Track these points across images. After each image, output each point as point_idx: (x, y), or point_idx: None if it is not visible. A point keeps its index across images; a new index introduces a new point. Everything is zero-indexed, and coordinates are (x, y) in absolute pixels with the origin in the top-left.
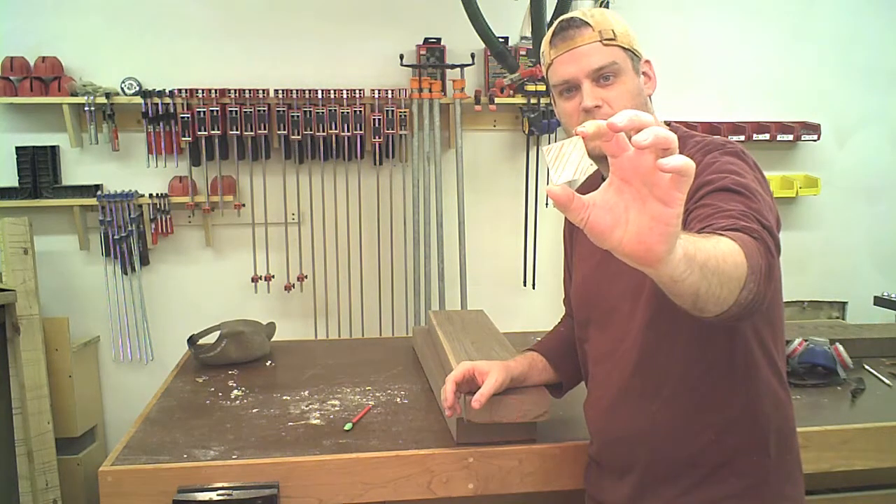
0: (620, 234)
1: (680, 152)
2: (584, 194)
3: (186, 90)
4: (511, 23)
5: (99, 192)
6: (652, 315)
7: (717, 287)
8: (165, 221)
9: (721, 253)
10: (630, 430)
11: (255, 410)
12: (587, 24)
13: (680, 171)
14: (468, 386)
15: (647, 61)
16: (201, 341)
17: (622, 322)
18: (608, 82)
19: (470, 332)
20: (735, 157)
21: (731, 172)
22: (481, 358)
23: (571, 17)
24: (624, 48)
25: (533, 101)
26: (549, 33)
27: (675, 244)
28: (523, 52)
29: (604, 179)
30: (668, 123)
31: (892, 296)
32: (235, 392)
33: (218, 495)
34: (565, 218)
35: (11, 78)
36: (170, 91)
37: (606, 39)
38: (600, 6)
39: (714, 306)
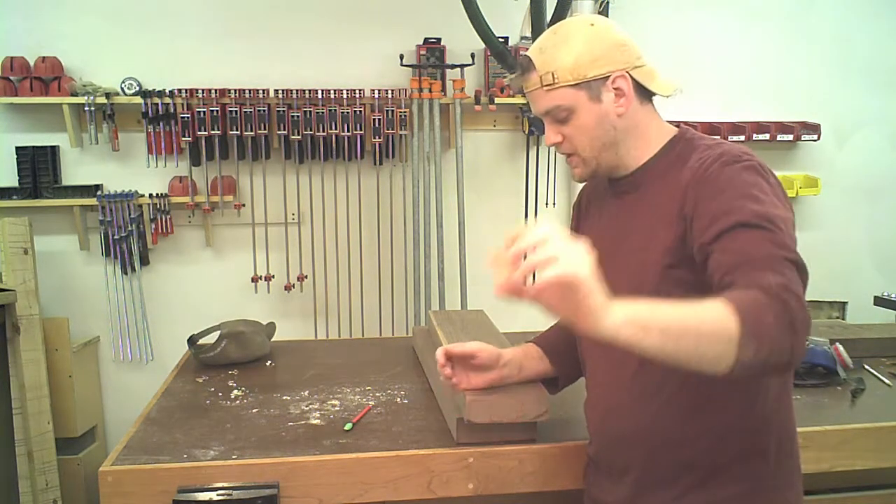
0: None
1: (689, 158)
2: (588, 194)
3: (186, 90)
4: (511, 23)
5: (99, 192)
6: None
7: (693, 348)
8: (165, 221)
9: (698, 318)
10: (629, 431)
11: (255, 410)
12: (533, 66)
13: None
14: (461, 362)
15: (621, 75)
16: (201, 341)
17: None
18: (563, 119)
19: (470, 332)
20: (754, 174)
21: (751, 198)
22: None
23: (524, 56)
24: (571, 85)
25: None
26: None
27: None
28: (523, 52)
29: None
30: (677, 125)
31: (892, 296)
32: (235, 392)
33: (218, 495)
34: (572, 213)
35: (11, 78)
36: (170, 91)
37: (546, 86)
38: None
39: (708, 366)
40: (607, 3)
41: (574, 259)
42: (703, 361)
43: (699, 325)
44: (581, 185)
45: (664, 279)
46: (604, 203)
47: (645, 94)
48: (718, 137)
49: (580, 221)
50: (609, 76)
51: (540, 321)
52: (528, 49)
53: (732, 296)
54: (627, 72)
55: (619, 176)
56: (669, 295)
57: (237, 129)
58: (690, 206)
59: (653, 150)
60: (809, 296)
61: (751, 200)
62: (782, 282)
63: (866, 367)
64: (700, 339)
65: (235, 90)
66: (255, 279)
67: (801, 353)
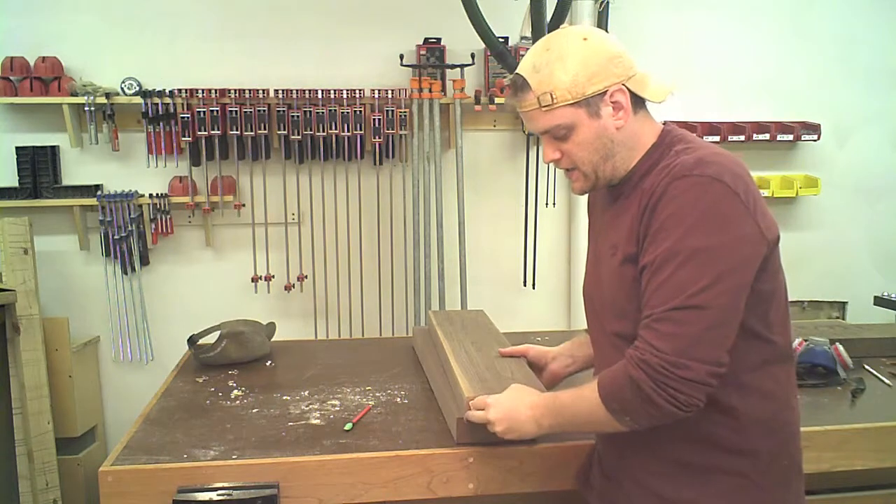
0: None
1: (658, 161)
2: (593, 196)
3: (186, 90)
4: (511, 23)
5: (99, 192)
6: (629, 325)
7: (592, 427)
8: (165, 221)
9: (582, 413)
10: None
11: (255, 410)
12: (528, 86)
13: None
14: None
15: (619, 89)
16: (201, 341)
17: (606, 323)
18: (561, 136)
19: (470, 333)
20: (700, 190)
21: (679, 227)
22: (481, 358)
23: (517, 75)
24: (570, 104)
25: None
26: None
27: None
28: (523, 52)
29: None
30: (664, 123)
31: (892, 296)
32: (235, 392)
33: (218, 495)
34: (587, 210)
35: (11, 78)
36: (170, 91)
37: (545, 106)
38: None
39: (609, 425)
40: (607, 2)
41: (500, 423)
42: (608, 430)
43: (588, 418)
44: None
45: (633, 285)
46: (603, 206)
47: (638, 101)
48: (693, 138)
49: (590, 221)
50: (607, 91)
51: (538, 322)
52: (527, 49)
53: (602, 374)
54: (623, 84)
55: (614, 183)
56: (635, 298)
57: (237, 129)
58: (641, 229)
59: (639, 155)
60: (809, 296)
61: (676, 231)
62: (638, 354)
63: (866, 367)
64: (593, 425)
65: (235, 90)
66: (255, 279)
67: (684, 404)
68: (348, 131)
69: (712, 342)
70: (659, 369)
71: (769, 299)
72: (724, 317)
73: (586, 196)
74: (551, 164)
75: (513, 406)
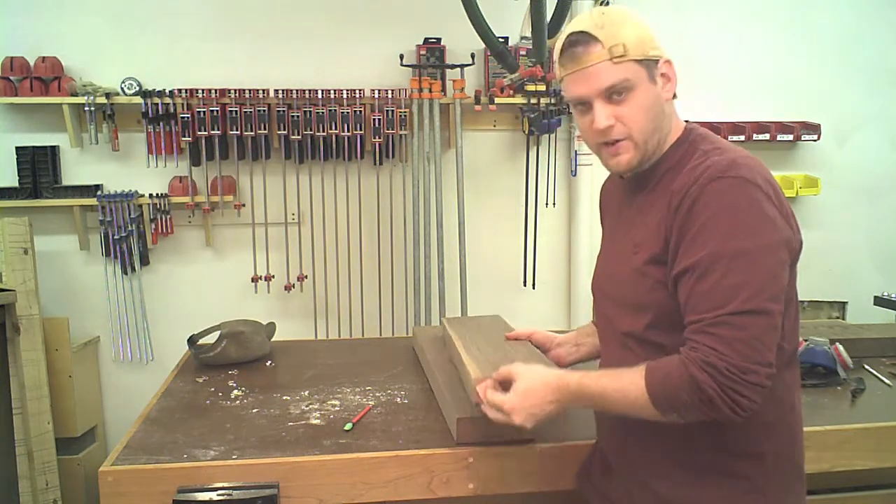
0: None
1: (686, 166)
2: (607, 191)
3: (186, 90)
4: (511, 23)
5: (99, 192)
6: (643, 326)
7: (624, 410)
8: (165, 221)
9: (624, 395)
10: (626, 426)
11: (255, 410)
12: (596, 39)
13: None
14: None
15: (668, 61)
16: (201, 341)
17: (618, 322)
18: (621, 98)
19: (484, 333)
20: (736, 192)
21: (720, 230)
22: (493, 350)
23: (580, 32)
24: (637, 60)
25: (533, 100)
26: (558, 46)
27: (535, 419)
28: (523, 52)
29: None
30: (686, 122)
31: (892, 296)
32: (235, 392)
33: (218, 495)
34: (599, 203)
35: (11, 78)
36: (170, 91)
37: (617, 57)
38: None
39: (650, 417)
40: (607, 3)
41: (515, 413)
42: (633, 416)
43: (623, 400)
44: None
45: (655, 285)
46: (621, 201)
47: None
48: (717, 139)
49: (604, 216)
50: (660, 59)
51: (538, 322)
52: (528, 49)
53: (653, 369)
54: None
55: (643, 168)
56: (654, 299)
57: (237, 129)
58: (672, 230)
59: (667, 145)
60: (810, 296)
61: (718, 233)
62: (701, 356)
63: (866, 367)
64: (627, 408)
65: (235, 90)
66: (255, 279)
67: (743, 408)
68: (348, 131)
69: (769, 345)
70: (726, 373)
71: (787, 306)
72: (777, 319)
73: (589, 195)
74: (552, 163)
75: (532, 392)
